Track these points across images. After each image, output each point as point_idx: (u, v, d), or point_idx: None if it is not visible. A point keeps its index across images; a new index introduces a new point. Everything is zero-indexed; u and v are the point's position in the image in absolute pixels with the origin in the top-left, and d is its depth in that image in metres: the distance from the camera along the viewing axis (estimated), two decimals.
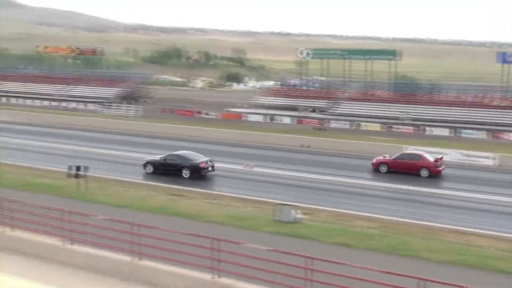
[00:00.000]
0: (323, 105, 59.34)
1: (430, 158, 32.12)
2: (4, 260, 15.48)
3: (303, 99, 61.39)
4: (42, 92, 73.36)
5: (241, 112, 59.73)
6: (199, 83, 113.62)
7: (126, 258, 14.50)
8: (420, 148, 35.92)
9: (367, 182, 30.30)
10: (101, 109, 62.99)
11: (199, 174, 29.91)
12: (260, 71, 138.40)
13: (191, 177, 29.62)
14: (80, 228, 15.38)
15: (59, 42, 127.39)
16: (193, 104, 66.48)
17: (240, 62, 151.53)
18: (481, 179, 31.84)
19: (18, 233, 16.61)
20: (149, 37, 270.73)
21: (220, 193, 26.06)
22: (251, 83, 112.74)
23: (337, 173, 32.05)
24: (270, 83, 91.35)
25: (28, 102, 69.95)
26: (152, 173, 30.55)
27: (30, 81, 78.47)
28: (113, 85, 73.30)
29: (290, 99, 62.35)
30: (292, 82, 71.44)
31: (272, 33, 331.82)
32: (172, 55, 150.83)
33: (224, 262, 13.10)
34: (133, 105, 62.53)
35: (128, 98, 69.07)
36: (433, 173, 31.33)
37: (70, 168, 25.12)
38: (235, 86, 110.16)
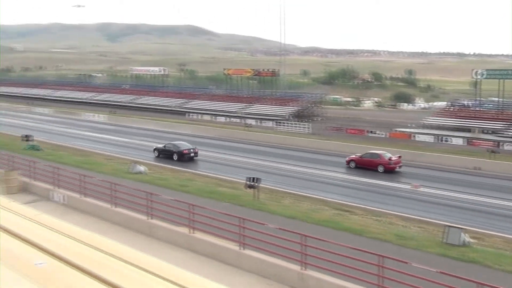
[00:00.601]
0: (497, 127, 54.92)
1: (386, 157, 36.81)
2: (182, 257, 16.51)
3: (475, 120, 57.44)
4: (225, 109, 78.05)
5: (410, 132, 57.59)
6: (368, 103, 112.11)
7: (294, 266, 14.63)
8: None
9: None
10: (276, 126, 65.03)
11: (183, 158, 39.26)
12: (430, 92, 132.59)
13: (178, 160, 38.90)
14: (252, 235, 15.90)
15: (242, 65, 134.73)
16: (361, 123, 65.74)
17: (410, 82, 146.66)
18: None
19: (197, 234, 17.64)
20: (322, 59, 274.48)
21: (386, 211, 25.22)
22: (421, 104, 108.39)
23: (509, 198, 29.31)
24: (441, 104, 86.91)
25: (210, 118, 74.71)
26: (158, 156, 40.30)
27: (215, 100, 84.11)
28: (287, 104, 75.60)
29: (461, 120, 58.74)
30: (465, 102, 67.34)
31: (444, 54, 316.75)
32: (343, 75, 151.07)
33: (388, 280, 12.60)
34: (304, 123, 63.63)
35: (301, 116, 70.54)
36: (387, 170, 36.03)
37: (248, 179, 26.21)
38: (404, 106, 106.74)
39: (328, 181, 33.71)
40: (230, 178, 31.60)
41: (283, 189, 29.15)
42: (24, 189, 26.31)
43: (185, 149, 40.12)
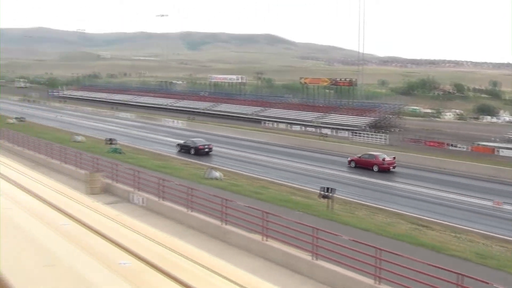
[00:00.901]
0: None
1: (380, 158, 40.57)
2: (255, 264, 16.59)
3: None
4: (301, 118, 77.98)
5: (494, 146, 54.95)
6: (449, 114, 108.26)
7: (367, 280, 14.32)
8: None
9: None
10: (352, 136, 64.18)
11: (199, 152, 44.33)
12: None
13: (195, 154, 43.91)
14: (325, 245, 15.73)
15: (318, 74, 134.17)
16: (441, 136, 63.52)
17: (495, 94, 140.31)
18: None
19: (270, 242, 17.67)
20: (401, 69, 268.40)
21: (465, 227, 24.17)
22: (505, 117, 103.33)
23: None
24: None
25: (286, 126, 74.83)
26: (180, 151, 45.62)
27: (291, 108, 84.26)
28: (364, 114, 74.45)
29: None
30: None
31: None
32: (422, 86, 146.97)
33: None
34: (381, 134, 62.37)
35: (378, 127, 69.20)
36: (381, 169, 39.86)
37: (322, 189, 26.01)
38: (488, 119, 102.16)
39: (404, 194, 32.81)
40: (304, 187, 31.50)
41: (357, 201, 28.69)
42: (106, 190, 27.44)
43: (201, 145, 45.48)
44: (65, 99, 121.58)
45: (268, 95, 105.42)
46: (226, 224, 19.59)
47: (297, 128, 73.08)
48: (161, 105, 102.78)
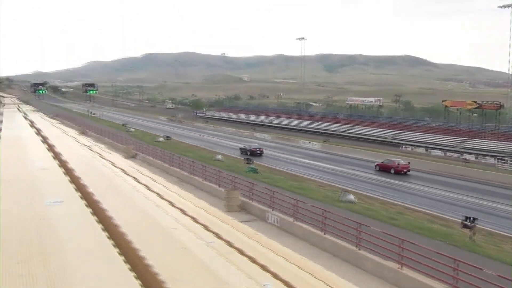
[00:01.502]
0: None
1: (396, 163, 48.81)
2: None
3: None
4: (441, 142, 74.40)
5: None
6: None
7: None
8: None
9: None
10: (498, 163, 59.79)
11: (253, 154, 55.58)
12: None
13: (250, 155, 54.44)
14: (466, 278, 14.80)
15: (461, 97, 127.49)
16: None
17: None
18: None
19: (406, 271, 17.02)
20: None
21: None
22: None
23: None
24: None
25: (425, 150, 71.75)
26: (241, 153, 57.33)
27: (431, 132, 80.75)
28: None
29: None
30: None
31: None
32: None
33: None
34: None
35: None
36: (396, 172, 47.56)
37: (464, 218, 24.57)
38: None
39: None
40: (442, 215, 29.94)
41: (504, 233, 26.59)
42: (242, 208, 28.40)
43: (253, 148, 57.80)
44: (207, 119, 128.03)
45: (407, 118, 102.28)
46: (360, 249, 19.28)
47: (437, 153, 69.77)
48: (297, 126, 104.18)
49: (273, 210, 26.03)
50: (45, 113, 55.98)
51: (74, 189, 7.02)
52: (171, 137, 72.63)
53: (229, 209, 27.34)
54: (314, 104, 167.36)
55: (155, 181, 9.03)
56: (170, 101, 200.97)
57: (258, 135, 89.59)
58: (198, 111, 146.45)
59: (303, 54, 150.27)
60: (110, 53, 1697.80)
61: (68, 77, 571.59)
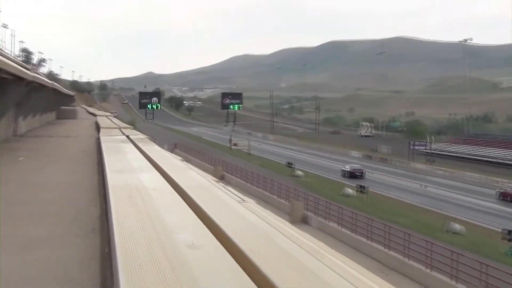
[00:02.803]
0: None
1: None
2: None
3: None
4: None
5: None
6: None
7: None
8: None
9: None
10: None
11: (352, 175, 56.17)
12: None
13: (349, 177, 55.50)
14: None
15: None
16: None
17: None
18: None
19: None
20: None
21: None
22: None
23: None
24: None
25: None
26: (342, 176, 57.29)
27: None
28: None
29: None
30: None
31: None
32: None
33: None
34: None
35: None
36: None
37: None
38: None
39: None
40: None
41: None
42: None
43: (352, 170, 57.89)
44: (434, 156, 74.18)
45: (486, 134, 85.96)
46: None
47: None
48: None
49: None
50: (161, 143, 26.98)
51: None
52: (368, 186, 43.75)
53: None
54: None
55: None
56: (367, 123, 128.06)
57: None
58: (417, 142, 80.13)
59: None
60: (263, 45, 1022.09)
61: (195, 82, 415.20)
